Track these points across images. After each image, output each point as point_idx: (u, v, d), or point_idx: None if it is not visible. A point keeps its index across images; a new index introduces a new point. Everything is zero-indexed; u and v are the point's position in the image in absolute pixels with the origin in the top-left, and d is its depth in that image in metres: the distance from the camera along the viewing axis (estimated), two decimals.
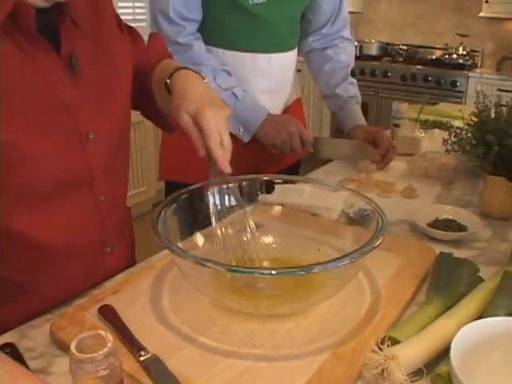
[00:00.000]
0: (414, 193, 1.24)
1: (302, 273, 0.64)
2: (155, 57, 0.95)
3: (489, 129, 1.06)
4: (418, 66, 3.88)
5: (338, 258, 0.65)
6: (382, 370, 0.58)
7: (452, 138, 1.15)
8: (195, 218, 0.85)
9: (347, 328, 0.69)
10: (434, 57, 4.01)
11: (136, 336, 0.66)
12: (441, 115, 1.89)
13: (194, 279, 0.73)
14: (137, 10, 3.38)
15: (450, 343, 0.59)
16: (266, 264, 0.83)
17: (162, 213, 0.77)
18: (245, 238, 0.87)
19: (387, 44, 4.36)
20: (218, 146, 0.76)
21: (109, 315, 0.70)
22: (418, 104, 1.74)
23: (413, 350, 0.62)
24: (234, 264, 0.77)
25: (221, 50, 1.30)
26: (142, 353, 0.62)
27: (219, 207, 0.86)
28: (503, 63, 3.83)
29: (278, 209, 0.97)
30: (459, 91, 3.68)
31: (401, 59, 4.14)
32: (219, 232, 0.82)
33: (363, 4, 4.50)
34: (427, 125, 1.81)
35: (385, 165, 1.40)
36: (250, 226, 0.83)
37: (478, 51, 4.02)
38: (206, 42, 1.29)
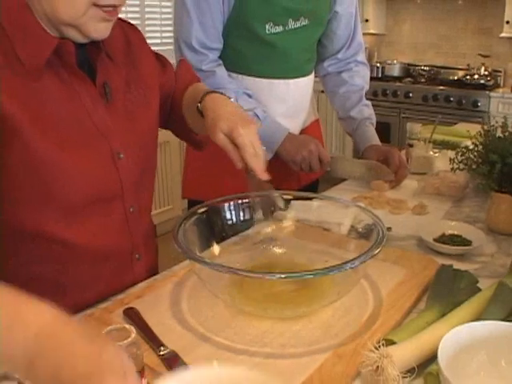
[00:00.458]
0: (424, 210, 1.29)
1: (308, 276, 0.71)
2: (185, 82, 1.05)
3: (492, 148, 1.12)
4: (440, 87, 3.92)
5: (339, 265, 0.72)
6: (377, 367, 0.64)
7: (459, 157, 1.20)
8: (213, 230, 0.93)
9: (349, 331, 0.75)
10: (455, 77, 4.05)
11: (157, 335, 0.73)
12: (455, 135, 1.93)
13: (211, 285, 0.80)
14: (164, 34, 3.54)
15: None
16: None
17: (182, 225, 0.85)
18: (258, 250, 0.95)
19: (409, 65, 4.41)
20: (253, 157, 0.85)
21: (133, 316, 0.78)
22: (432, 124, 1.80)
23: (406, 350, 0.67)
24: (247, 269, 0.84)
25: (240, 76, 1.39)
26: (162, 348, 0.69)
27: (234, 221, 0.94)
28: None
29: (291, 223, 1.04)
30: (481, 111, 3.70)
31: (422, 80, 4.19)
32: (234, 243, 0.90)
33: (386, 26, 4.58)
34: (438, 145, 1.85)
35: (397, 183, 1.45)
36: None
37: (500, 71, 4.04)
38: (226, 69, 1.38)
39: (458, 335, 0.66)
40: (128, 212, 0.90)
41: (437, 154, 1.65)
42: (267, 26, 1.33)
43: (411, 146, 1.66)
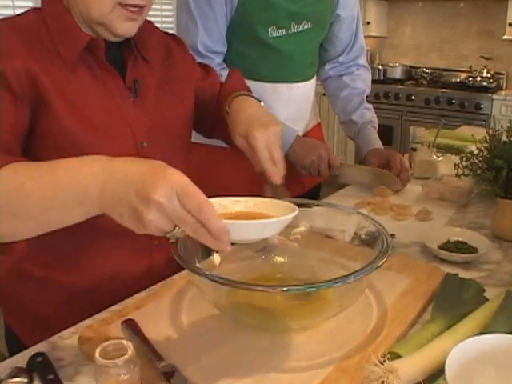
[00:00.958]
0: (428, 215, 1.27)
1: (311, 289, 0.69)
2: (230, 89, 1.06)
3: (498, 153, 1.10)
4: (442, 89, 3.90)
5: (343, 277, 0.70)
6: (382, 382, 0.62)
7: (463, 162, 1.18)
8: None
9: (353, 344, 0.73)
10: (457, 80, 4.03)
11: (156, 347, 0.71)
12: (459, 139, 1.91)
13: (210, 296, 0.78)
14: None
15: None
16: (278, 283, 0.88)
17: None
18: (260, 259, 0.93)
19: (411, 67, 4.40)
20: (267, 161, 0.84)
21: (132, 328, 0.76)
22: (435, 128, 1.78)
23: (412, 365, 0.65)
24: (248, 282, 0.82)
25: None
26: (160, 362, 0.67)
27: None
28: None
29: (295, 231, 1.02)
30: (483, 114, 3.68)
31: (425, 82, 4.18)
32: (234, 252, 0.87)
33: (388, 28, 4.57)
34: (442, 149, 1.83)
35: (400, 187, 1.43)
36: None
37: (502, 74, 4.02)
38: None
39: (465, 349, 0.64)
40: None
41: (440, 159, 1.63)
42: (270, 30, 1.32)
43: (414, 150, 1.64)
